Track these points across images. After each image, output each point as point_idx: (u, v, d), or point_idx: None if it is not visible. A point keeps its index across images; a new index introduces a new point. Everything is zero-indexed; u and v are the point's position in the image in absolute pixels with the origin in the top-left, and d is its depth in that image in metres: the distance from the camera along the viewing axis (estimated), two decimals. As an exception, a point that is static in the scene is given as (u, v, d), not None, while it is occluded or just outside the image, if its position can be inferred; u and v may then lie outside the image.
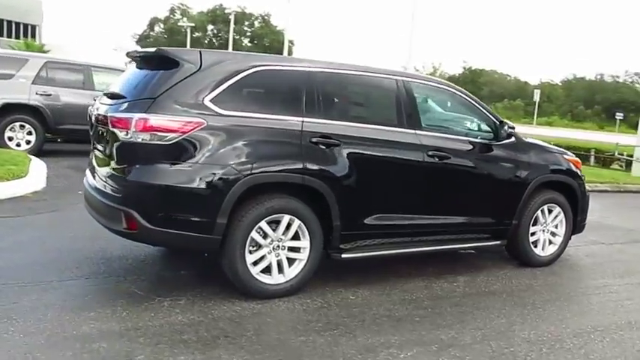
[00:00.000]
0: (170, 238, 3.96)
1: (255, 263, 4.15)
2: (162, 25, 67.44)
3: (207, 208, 3.94)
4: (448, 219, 5.04)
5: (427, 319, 4.08)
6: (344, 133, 4.40)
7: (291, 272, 4.28)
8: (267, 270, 4.21)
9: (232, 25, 49.51)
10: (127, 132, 3.88)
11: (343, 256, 4.48)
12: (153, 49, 4.23)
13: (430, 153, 4.80)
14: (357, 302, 4.31)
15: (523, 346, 3.74)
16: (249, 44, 65.66)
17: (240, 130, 4.05)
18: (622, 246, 6.93)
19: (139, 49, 4.42)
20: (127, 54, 4.69)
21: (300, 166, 4.20)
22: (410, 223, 4.82)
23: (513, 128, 5.25)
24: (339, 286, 4.57)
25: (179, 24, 61.75)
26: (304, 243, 4.28)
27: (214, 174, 3.92)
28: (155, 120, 3.84)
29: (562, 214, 5.71)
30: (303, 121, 4.27)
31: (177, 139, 3.86)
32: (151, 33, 68.41)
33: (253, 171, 4.02)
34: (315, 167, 4.25)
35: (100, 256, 4.94)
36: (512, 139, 5.33)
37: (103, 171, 4.30)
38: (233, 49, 47.20)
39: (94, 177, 4.58)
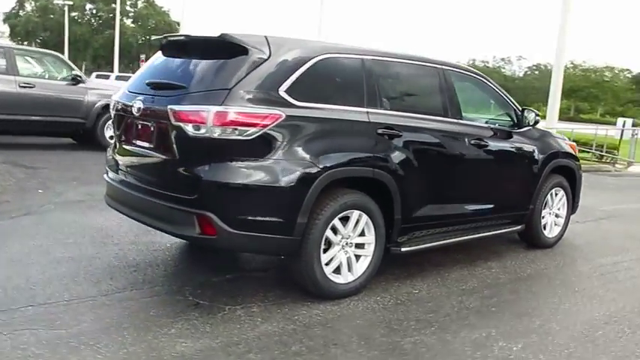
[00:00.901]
0: (250, 241, 3.65)
1: (327, 263, 3.94)
2: (33, 3, 61.82)
3: (288, 207, 3.67)
4: (484, 206, 5.10)
5: (503, 309, 4.10)
6: (404, 124, 4.28)
7: (359, 270, 4.11)
8: (336, 269, 4.02)
9: (119, 5, 46.69)
10: (201, 127, 3.50)
11: (403, 249, 4.37)
12: (215, 35, 3.80)
13: (472, 142, 4.81)
14: (424, 296, 4.24)
15: (608, 328, 3.87)
16: (132, 25, 62.16)
17: (316, 122, 3.80)
18: (597, 223, 7.42)
19: (188, 34, 3.92)
20: (167, 39, 4.20)
21: (370, 159, 4.03)
22: (454, 213, 4.82)
23: (538, 116, 5.39)
24: (392, 281, 4.46)
25: (55, 2, 56.95)
26: (370, 238, 4.13)
27: (295, 170, 3.65)
28: (236, 113, 3.49)
29: (564, 197, 5.99)
30: (368, 112, 4.09)
31: (257, 134, 3.53)
32: (21, 12, 62.57)
33: (332, 166, 3.80)
34: (382, 160, 4.10)
35: (124, 264, 4.45)
36: (530, 126, 5.48)
37: (155, 170, 3.87)
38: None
39: (125, 176, 4.11)
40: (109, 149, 4.57)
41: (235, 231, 3.54)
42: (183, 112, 3.56)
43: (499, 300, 4.26)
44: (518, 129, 5.36)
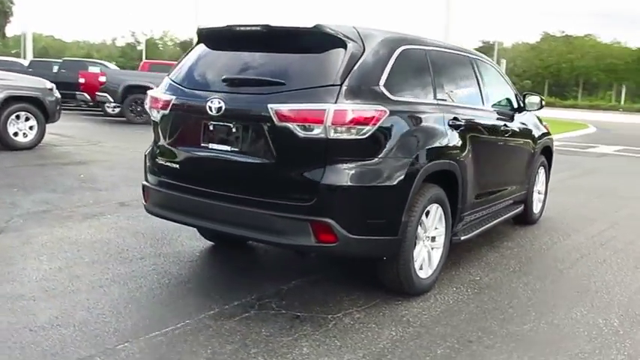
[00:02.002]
0: (363, 246, 3.47)
1: (415, 259, 3.87)
2: None
3: (397, 206, 3.54)
4: (509, 188, 5.32)
5: (572, 290, 4.29)
6: (462, 114, 4.30)
7: (434, 262, 4.09)
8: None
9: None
10: (315, 127, 3.23)
11: (462, 238, 4.43)
12: (307, 25, 3.47)
13: (502, 128, 4.98)
14: (489, 283, 4.32)
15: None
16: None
17: (407, 116, 3.69)
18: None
19: (267, 23, 3.43)
20: (234, 29, 3.75)
21: (447, 151, 4.01)
22: (492, 197, 4.97)
23: (543, 100, 5.68)
24: (446, 269, 4.50)
25: None
26: (441, 230, 4.12)
27: (402, 168, 3.52)
28: (353, 111, 3.26)
29: (544, 174, 6.43)
30: (438, 104, 4.06)
31: (370, 132, 3.34)
32: None
33: (428, 160, 3.72)
34: (453, 151, 4.09)
35: (176, 281, 4.03)
36: (530, 110, 5.76)
37: (246, 176, 3.52)
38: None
39: (194, 183, 3.70)
40: (149, 152, 4.05)
41: (353, 236, 3.34)
42: (292, 111, 3.26)
43: (558, 283, 4.45)
44: (519, 113, 5.63)
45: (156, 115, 3.91)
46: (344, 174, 3.32)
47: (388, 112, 3.43)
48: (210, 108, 3.50)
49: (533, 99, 5.63)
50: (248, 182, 3.50)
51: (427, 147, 3.77)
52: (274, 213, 3.37)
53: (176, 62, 4.11)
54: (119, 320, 3.35)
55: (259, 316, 3.50)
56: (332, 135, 3.23)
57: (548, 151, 6.39)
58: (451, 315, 3.69)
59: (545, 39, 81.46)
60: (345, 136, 3.26)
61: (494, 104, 5.13)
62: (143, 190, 4.08)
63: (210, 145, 3.62)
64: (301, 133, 3.26)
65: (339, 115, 3.22)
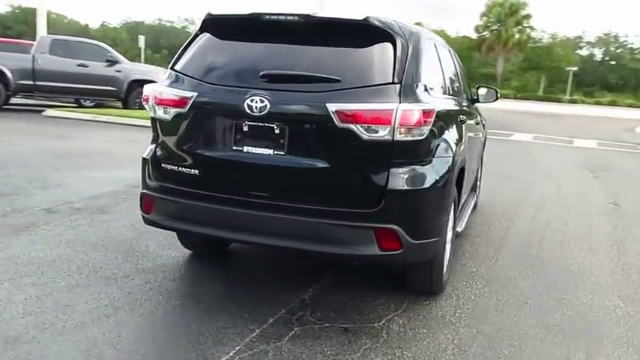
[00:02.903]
0: (423, 251, 3.32)
1: (441, 258, 3.82)
2: None
3: (444, 207, 3.44)
4: (473, 177, 5.46)
5: (562, 276, 4.54)
6: (462, 109, 4.33)
7: (447, 260, 4.06)
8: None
9: None
10: (380, 129, 3.01)
11: (458, 230, 4.45)
12: (357, 17, 3.18)
13: (477, 120, 5.10)
14: (488, 275, 4.41)
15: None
16: None
17: (444, 113, 3.63)
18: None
19: (307, 13, 3.17)
20: (264, 17, 3.31)
21: (463, 145, 3.99)
22: (468, 187, 5.06)
23: (498, 92, 5.86)
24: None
25: None
26: (450, 225, 4.09)
27: (447, 166, 3.44)
28: (419, 111, 3.09)
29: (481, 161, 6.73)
30: (453, 99, 4.05)
31: (428, 132, 3.20)
32: None
33: (458, 157, 3.67)
34: (464, 145, 4.10)
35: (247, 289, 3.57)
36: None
37: (295, 181, 3.20)
38: None
39: (222, 190, 3.30)
40: (152, 155, 3.51)
41: (415, 242, 3.18)
42: (357, 112, 2.99)
43: (537, 264, 4.70)
44: (474, 103, 5.79)
45: (164, 114, 3.39)
46: (408, 177, 3.14)
47: (435, 110, 3.30)
48: (249, 107, 3.10)
49: (486, 91, 5.83)
50: (298, 189, 3.18)
51: (456, 143, 3.71)
52: (334, 222, 3.10)
53: (179, 52, 3.58)
54: (160, 356, 2.87)
55: (308, 333, 3.22)
56: (398, 137, 3.03)
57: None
58: (485, 311, 3.70)
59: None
60: (409, 137, 3.08)
61: (467, 96, 5.23)
62: (142, 199, 3.54)
63: (246, 149, 3.21)
64: (365, 135, 3.01)
65: (406, 115, 3.03)
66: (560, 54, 63.00)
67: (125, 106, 14.83)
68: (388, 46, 3.22)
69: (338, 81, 3.11)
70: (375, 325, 3.38)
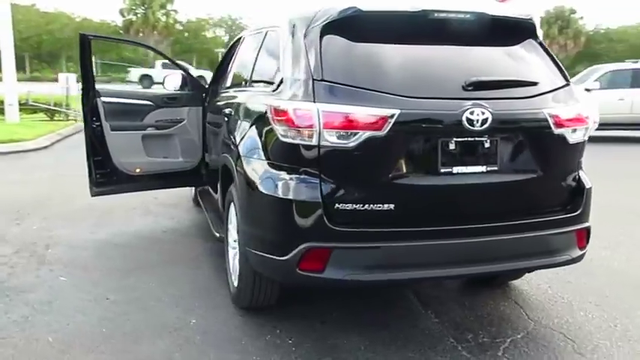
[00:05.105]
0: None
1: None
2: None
3: None
4: None
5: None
6: None
7: None
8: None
9: None
10: (579, 130, 3.12)
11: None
12: (524, 15, 3.09)
13: None
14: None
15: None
16: None
17: None
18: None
19: (473, 10, 2.89)
20: (430, 14, 2.89)
21: None
22: None
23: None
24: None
25: None
26: None
27: None
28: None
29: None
30: None
31: None
32: None
33: None
34: None
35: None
36: None
37: (507, 197, 3.04)
38: None
39: (428, 222, 2.86)
40: (325, 197, 2.73)
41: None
42: (569, 115, 3.04)
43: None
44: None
45: (341, 140, 2.66)
46: (586, 175, 3.29)
47: None
48: (469, 121, 2.77)
49: None
50: (512, 204, 3.04)
51: None
52: (551, 232, 3.05)
53: (317, 59, 2.78)
54: None
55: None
56: (586, 136, 3.18)
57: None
58: (571, 312, 3.61)
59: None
60: (587, 136, 3.22)
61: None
62: (310, 254, 2.75)
63: (455, 169, 2.86)
64: (571, 138, 3.06)
65: (589, 115, 3.17)
66: (207, 37, 63.01)
67: None
68: (536, 44, 3.24)
69: (535, 84, 2.94)
70: (497, 340, 3.22)
